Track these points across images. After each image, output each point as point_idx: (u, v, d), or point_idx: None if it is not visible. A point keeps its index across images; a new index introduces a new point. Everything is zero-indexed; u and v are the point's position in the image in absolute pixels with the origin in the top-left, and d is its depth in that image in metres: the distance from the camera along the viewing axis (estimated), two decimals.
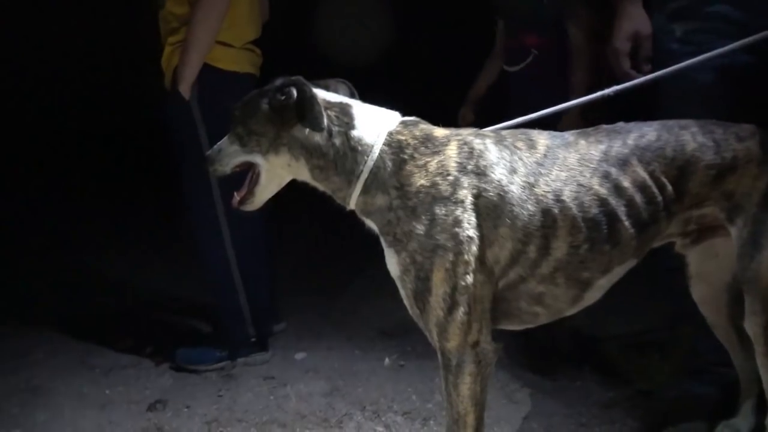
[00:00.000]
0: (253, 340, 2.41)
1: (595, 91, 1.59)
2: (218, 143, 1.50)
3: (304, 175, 1.43)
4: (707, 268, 1.60)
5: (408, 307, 1.35)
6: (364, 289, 3.08)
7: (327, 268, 3.30)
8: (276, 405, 2.12)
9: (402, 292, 1.35)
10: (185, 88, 2.19)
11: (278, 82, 1.39)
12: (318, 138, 1.36)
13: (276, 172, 1.44)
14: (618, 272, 1.41)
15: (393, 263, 1.33)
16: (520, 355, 2.32)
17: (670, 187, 1.36)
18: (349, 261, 2.85)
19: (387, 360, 2.39)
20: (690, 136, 1.39)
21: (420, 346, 2.42)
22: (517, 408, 2.02)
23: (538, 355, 2.30)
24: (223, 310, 2.41)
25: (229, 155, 1.46)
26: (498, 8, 2.80)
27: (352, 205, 1.39)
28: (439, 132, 1.38)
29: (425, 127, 1.39)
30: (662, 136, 1.38)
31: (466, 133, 1.38)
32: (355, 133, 1.36)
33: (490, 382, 2.09)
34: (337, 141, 1.36)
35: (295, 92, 1.34)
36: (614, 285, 1.46)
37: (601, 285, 1.40)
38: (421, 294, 1.29)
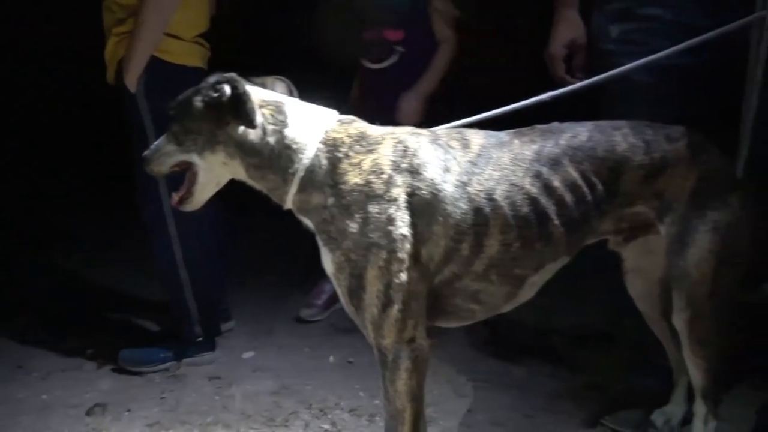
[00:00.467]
0: (200, 339, 2.36)
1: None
2: (155, 143, 1.48)
3: (240, 174, 1.41)
4: (641, 265, 1.65)
5: (344, 304, 1.35)
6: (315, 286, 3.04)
7: (279, 266, 3.26)
8: (221, 405, 2.08)
9: (338, 290, 1.34)
10: (132, 81, 2.12)
11: (211, 79, 1.38)
12: (253, 136, 1.35)
13: (214, 171, 1.43)
14: (550, 269, 1.43)
15: (328, 261, 1.33)
16: (467, 349, 2.34)
17: (601, 187, 1.39)
18: (301, 258, 2.82)
19: (332, 358, 2.37)
20: (621, 137, 1.42)
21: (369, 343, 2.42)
22: (464, 401, 2.04)
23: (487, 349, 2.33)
24: (171, 309, 2.37)
25: (166, 155, 1.44)
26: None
27: (288, 203, 1.38)
28: (374, 130, 1.38)
29: (360, 125, 1.39)
30: (594, 137, 1.41)
31: (401, 131, 1.38)
32: (289, 131, 1.35)
33: (436, 377, 2.13)
34: (272, 139, 1.35)
35: (228, 89, 1.33)
36: (561, 280, 1.49)
37: (534, 282, 1.42)
38: (356, 291, 1.28)
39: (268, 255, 3.41)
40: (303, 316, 2.70)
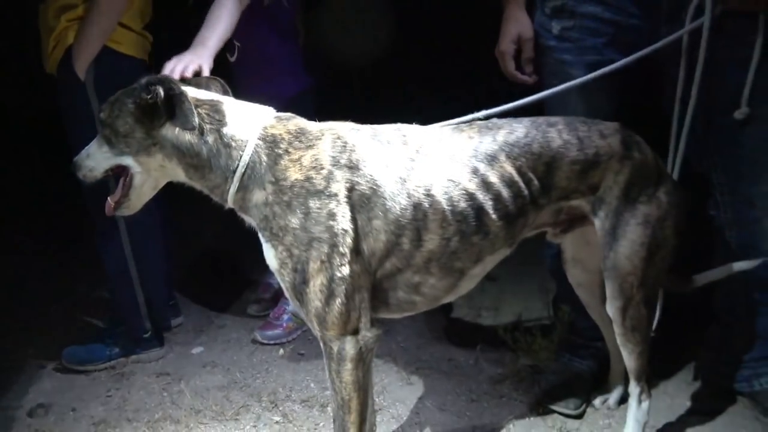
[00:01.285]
0: (148, 334, 2.33)
1: None
2: (86, 147, 1.44)
3: (179, 175, 1.41)
4: (580, 254, 1.72)
5: (289, 299, 1.36)
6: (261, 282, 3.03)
7: (227, 260, 3.23)
8: (170, 401, 2.06)
9: (282, 285, 1.35)
10: (82, 69, 2.05)
11: (143, 80, 1.35)
12: (189, 137, 1.34)
13: (150, 174, 1.42)
14: (490, 261, 1.47)
15: (271, 257, 1.34)
16: (414, 338, 2.39)
17: (536, 182, 1.43)
18: (248, 253, 2.80)
19: (281, 351, 2.38)
20: (556, 134, 1.47)
21: None
22: (413, 389, 2.09)
23: (433, 338, 2.38)
24: (119, 304, 2.32)
25: (99, 159, 1.42)
26: None
27: (230, 202, 1.38)
28: (314, 126, 1.39)
29: (299, 121, 1.40)
30: (530, 133, 1.45)
31: (341, 127, 1.39)
32: (227, 129, 1.35)
33: (387, 366, 2.17)
34: (210, 138, 1.34)
35: (162, 91, 1.31)
36: (502, 269, 1.54)
37: (475, 274, 1.46)
38: (299, 286, 1.30)
39: (215, 250, 3.37)
40: (251, 312, 2.69)
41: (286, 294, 1.36)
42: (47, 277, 3.10)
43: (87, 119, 2.07)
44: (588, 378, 2.00)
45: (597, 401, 1.94)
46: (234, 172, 1.34)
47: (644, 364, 1.61)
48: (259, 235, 1.36)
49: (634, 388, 1.64)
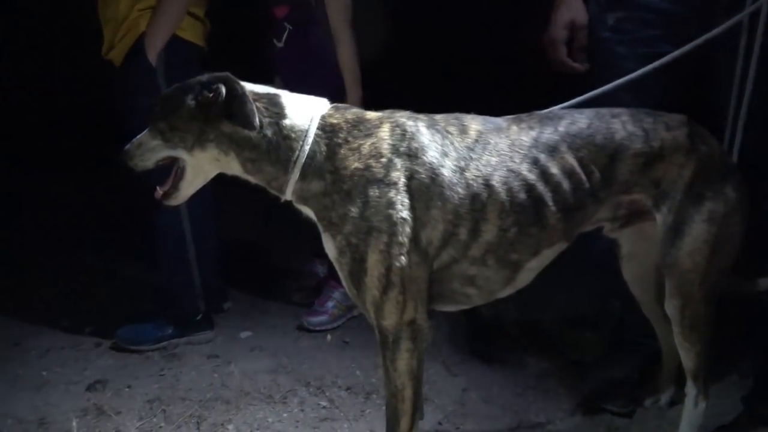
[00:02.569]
0: (201, 315, 2.39)
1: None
2: (138, 136, 1.45)
3: (234, 168, 1.41)
4: (637, 250, 1.68)
5: (346, 287, 1.38)
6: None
7: (273, 247, 3.29)
8: (220, 383, 2.12)
9: (339, 274, 1.37)
10: (154, 56, 2.11)
11: (205, 77, 1.35)
12: (248, 132, 1.34)
13: (202, 168, 1.42)
14: (548, 255, 1.45)
15: (330, 247, 1.35)
16: (460, 330, 2.39)
17: (598, 174, 1.40)
18: (295, 239, 2.85)
19: (329, 336, 2.41)
20: (620, 125, 1.43)
21: (364, 322, 2.41)
22: (457, 380, 2.10)
23: (481, 331, 2.38)
24: (174, 284, 2.38)
25: (150, 150, 1.42)
26: None
27: (288, 194, 1.38)
28: (372, 115, 1.39)
29: (357, 110, 1.40)
30: (593, 124, 1.42)
31: (399, 115, 1.39)
32: (287, 121, 1.35)
33: (431, 357, 2.18)
34: (269, 132, 1.35)
35: (224, 90, 1.32)
36: (552, 262, 1.52)
37: (532, 267, 1.44)
38: (357, 275, 1.31)
39: (262, 236, 3.43)
40: (295, 299, 2.70)
41: (344, 283, 1.37)
42: (102, 257, 3.20)
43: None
44: (638, 376, 1.97)
45: (647, 400, 1.91)
46: (294, 162, 1.34)
47: (703, 365, 1.57)
48: (318, 224, 1.37)
49: (691, 389, 1.60)
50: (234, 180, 1.47)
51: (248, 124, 1.32)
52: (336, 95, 2.36)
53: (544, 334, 2.27)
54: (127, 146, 1.45)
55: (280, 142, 1.35)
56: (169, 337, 2.35)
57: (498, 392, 2.02)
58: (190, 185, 1.45)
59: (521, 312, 2.57)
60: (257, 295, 2.82)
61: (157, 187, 1.48)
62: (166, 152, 1.41)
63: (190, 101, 1.35)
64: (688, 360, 1.57)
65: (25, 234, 3.56)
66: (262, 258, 3.24)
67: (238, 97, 1.32)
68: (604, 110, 1.48)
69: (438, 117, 1.43)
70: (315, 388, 2.07)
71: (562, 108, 1.55)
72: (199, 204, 2.23)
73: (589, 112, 1.46)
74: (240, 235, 3.34)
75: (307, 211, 1.40)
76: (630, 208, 1.52)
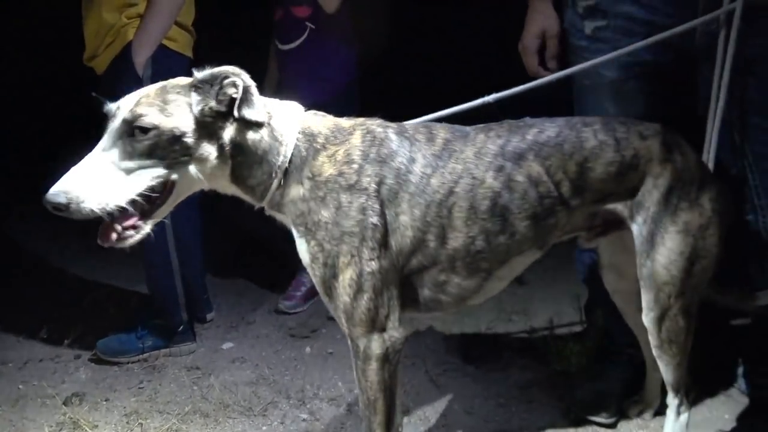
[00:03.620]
0: (182, 328, 2.36)
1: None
2: (76, 169, 1.18)
3: (221, 178, 1.31)
4: (618, 260, 1.67)
5: (320, 294, 1.36)
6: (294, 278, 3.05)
7: (256, 257, 3.26)
8: (199, 395, 2.09)
9: (313, 280, 1.35)
10: (141, 65, 2.09)
11: (215, 72, 1.25)
12: (252, 133, 1.28)
13: (189, 187, 1.29)
14: (518, 262, 1.44)
15: (303, 251, 1.34)
16: (442, 340, 2.37)
17: (567, 182, 1.39)
18: (279, 248, 2.83)
19: (308, 348, 2.39)
20: (591, 133, 1.42)
21: None
22: (441, 391, 2.07)
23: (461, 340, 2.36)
24: (157, 295, 2.36)
25: (121, 181, 1.19)
26: None
27: (267, 199, 1.34)
28: (346, 122, 1.38)
29: (332, 117, 1.39)
30: (562, 133, 1.41)
31: (370, 122, 1.38)
32: (276, 123, 1.32)
33: (414, 367, 2.15)
34: (265, 133, 1.30)
35: (242, 84, 1.24)
36: (533, 271, 1.50)
37: (501, 275, 1.43)
38: (329, 280, 1.30)
39: (245, 246, 3.40)
40: (282, 308, 2.71)
41: (318, 289, 1.36)
42: (83, 266, 3.17)
43: None
44: (622, 386, 1.95)
45: (632, 410, 1.89)
46: (280, 168, 1.31)
47: (682, 376, 1.55)
48: (293, 230, 1.36)
49: (672, 400, 1.58)
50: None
51: (259, 117, 1.25)
52: (344, 94, 2.44)
53: (527, 342, 2.24)
54: (59, 188, 1.15)
55: (273, 145, 1.30)
56: (150, 349, 2.32)
57: (481, 403, 2.00)
58: (169, 208, 1.29)
59: (506, 321, 2.56)
60: (242, 305, 2.79)
61: (115, 226, 1.21)
62: (160, 172, 1.22)
63: (212, 102, 1.24)
64: (667, 372, 1.55)
65: (8, 241, 3.52)
66: (248, 267, 3.21)
67: (252, 92, 1.25)
68: (575, 119, 1.47)
69: (407, 124, 1.43)
70: (296, 400, 2.04)
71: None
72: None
73: (560, 121, 1.45)
74: (225, 245, 3.33)
75: (282, 218, 1.38)
76: (605, 218, 1.51)
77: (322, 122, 1.37)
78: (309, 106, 1.42)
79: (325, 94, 2.27)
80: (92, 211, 1.17)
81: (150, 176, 1.22)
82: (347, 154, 1.31)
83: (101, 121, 1.27)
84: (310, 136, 1.33)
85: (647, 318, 1.51)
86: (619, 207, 1.47)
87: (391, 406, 1.35)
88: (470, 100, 1.58)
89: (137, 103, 1.23)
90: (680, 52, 1.68)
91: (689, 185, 1.45)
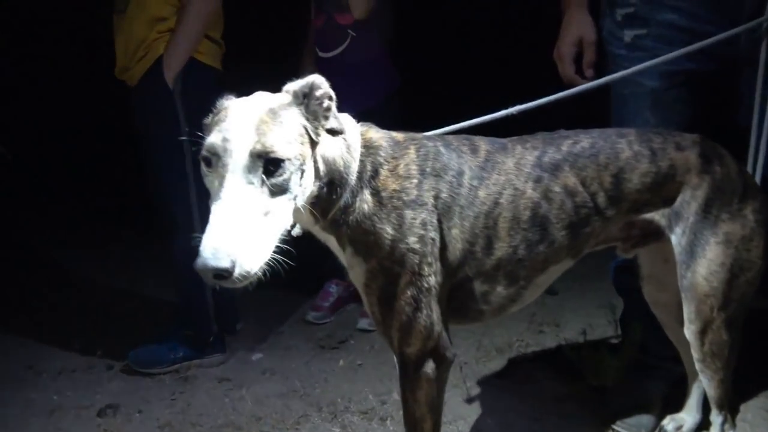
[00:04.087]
0: (215, 337, 2.37)
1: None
2: (217, 221, 0.99)
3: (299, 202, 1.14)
4: (658, 271, 1.64)
5: (370, 314, 1.34)
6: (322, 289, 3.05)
7: (285, 267, 3.26)
8: (231, 407, 2.09)
9: (365, 300, 1.32)
10: (172, 78, 2.12)
11: (308, 83, 1.15)
12: (334, 147, 1.20)
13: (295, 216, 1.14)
14: (554, 271, 1.44)
15: (360, 272, 1.29)
16: (475, 354, 2.34)
17: (603, 193, 1.39)
18: (308, 259, 2.83)
19: (341, 362, 2.37)
20: (626, 144, 1.41)
21: (378, 345, 2.43)
22: (474, 406, 2.04)
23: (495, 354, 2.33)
24: (189, 305, 2.37)
25: (279, 216, 1.06)
26: None
27: (328, 219, 1.24)
28: (398, 134, 1.36)
29: (382, 129, 1.36)
30: (597, 144, 1.41)
31: (418, 136, 1.37)
32: (347, 135, 1.23)
33: (448, 381, 2.12)
34: (343, 147, 1.22)
35: (332, 95, 1.16)
36: (568, 283, 1.49)
37: (539, 283, 1.43)
38: (388, 299, 1.27)
39: (273, 257, 3.40)
40: (310, 319, 2.71)
41: (368, 309, 1.33)
42: (114, 277, 3.21)
43: (172, 129, 2.13)
44: (659, 400, 1.90)
45: (670, 426, 1.84)
46: (348, 183, 1.23)
47: (726, 392, 1.51)
48: (348, 249, 1.29)
49: (716, 417, 1.54)
50: None
51: (340, 126, 1.18)
52: (388, 103, 2.44)
53: (562, 355, 2.20)
54: (223, 245, 0.97)
55: (348, 158, 1.23)
56: (181, 360, 2.34)
57: (515, 417, 1.97)
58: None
59: (537, 333, 2.53)
60: (270, 316, 2.79)
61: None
62: (286, 216, 1.09)
63: (301, 117, 1.13)
64: (710, 388, 1.52)
65: (41, 253, 3.58)
66: (275, 277, 3.20)
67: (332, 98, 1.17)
68: (610, 130, 1.46)
69: (450, 137, 1.41)
70: (328, 414, 2.03)
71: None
72: None
73: (594, 132, 1.44)
74: None
75: (328, 237, 1.30)
76: (642, 228, 1.49)
77: (379, 135, 1.31)
78: (352, 116, 1.38)
79: (369, 103, 2.24)
80: (256, 274, 1.02)
81: (285, 216, 1.09)
82: (407, 168, 1.28)
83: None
84: (372, 150, 1.28)
85: (689, 331, 1.47)
86: (657, 216, 1.45)
87: (437, 425, 1.33)
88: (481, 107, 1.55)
89: (261, 132, 1.05)
90: (723, 61, 1.65)
91: (730, 196, 1.42)
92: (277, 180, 1.05)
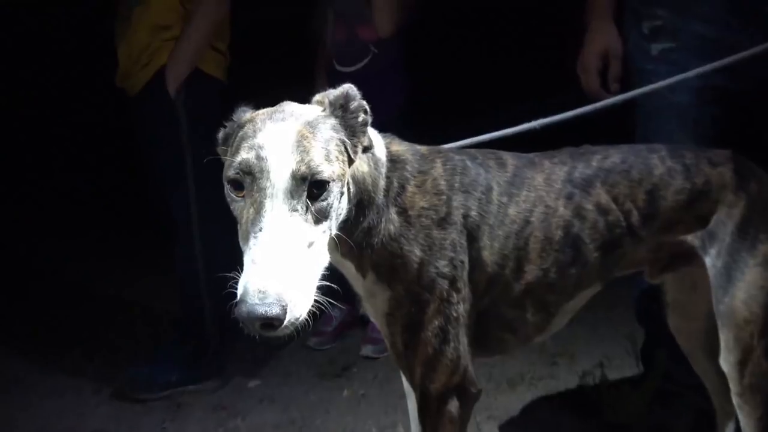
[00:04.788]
0: (208, 361, 2.25)
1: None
2: (264, 252, 0.85)
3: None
4: (684, 299, 1.54)
5: (389, 345, 1.21)
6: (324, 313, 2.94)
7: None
8: None
9: (386, 331, 1.19)
10: (174, 87, 2.07)
11: (343, 94, 1.03)
12: (363, 164, 1.08)
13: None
14: (583, 296, 1.35)
15: (382, 300, 1.16)
16: (490, 387, 2.22)
17: (636, 212, 1.30)
18: None
19: (345, 391, 2.25)
20: (658, 160, 1.33)
21: (382, 374, 2.31)
22: None
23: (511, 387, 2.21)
24: (185, 322, 2.27)
25: (321, 245, 0.94)
26: None
27: (352, 240, 1.09)
28: (421, 147, 1.24)
29: (407, 142, 1.24)
30: (628, 159, 1.32)
31: (442, 148, 1.28)
32: (375, 149, 1.12)
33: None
34: (372, 163, 1.11)
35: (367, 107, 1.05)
36: (587, 310, 1.39)
37: (567, 310, 1.34)
38: (412, 329, 1.14)
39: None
40: (311, 344, 2.59)
41: (388, 341, 1.21)
42: (114, 285, 3.12)
43: (172, 139, 2.09)
44: None
45: None
46: (374, 202, 1.10)
47: (765, 430, 1.38)
48: (369, 275, 1.15)
49: None
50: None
51: (370, 142, 1.07)
52: (401, 119, 2.35)
53: (581, 388, 2.07)
54: (272, 288, 0.83)
55: (375, 176, 1.10)
56: (174, 384, 2.21)
57: None
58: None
59: (551, 365, 2.40)
60: (269, 340, 2.67)
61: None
62: (326, 245, 0.96)
63: (353, 136, 1.02)
64: (748, 425, 1.39)
65: (36, 260, 3.51)
66: None
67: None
68: (640, 146, 1.39)
69: (473, 151, 1.32)
70: None
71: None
72: (215, 238, 2.15)
73: (623, 147, 1.36)
74: None
75: (344, 262, 1.16)
76: (672, 251, 1.39)
77: (403, 148, 1.19)
78: None
79: (383, 119, 2.25)
80: (305, 320, 0.88)
81: (325, 247, 0.96)
82: (435, 183, 1.17)
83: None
84: (398, 164, 1.15)
85: (726, 362, 1.36)
86: (690, 238, 1.36)
87: None
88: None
89: (303, 150, 0.92)
90: (756, 80, 1.56)
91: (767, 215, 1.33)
92: (321, 205, 0.93)
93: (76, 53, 4.28)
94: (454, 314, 1.15)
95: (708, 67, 1.52)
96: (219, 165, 1.01)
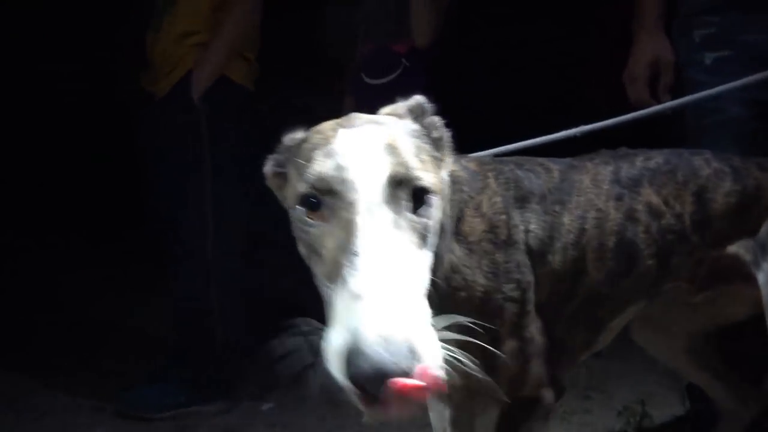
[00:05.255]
0: (216, 383, 2.15)
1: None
2: (364, 257, 0.68)
3: None
4: (670, 316, 1.45)
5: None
6: None
7: (302, 310, 3.04)
8: None
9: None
10: (200, 91, 2.05)
11: (418, 104, 0.93)
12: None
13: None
14: (630, 312, 1.26)
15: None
16: None
17: (687, 216, 1.21)
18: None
19: (365, 418, 2.10)
20: (704, 162, 1.26)
21: None
22: None
23: None
24: (192, 341, 2.17)
25: (424, 267, 0.78)
26: (360, 8, 2.45)
27: None
28: (471, 162, 1.12)
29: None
30: (671, 160, 1.25)
31: (488, 158, 1.18)
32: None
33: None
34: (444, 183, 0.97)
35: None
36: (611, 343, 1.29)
37: (614, 327, 1.25)
38: (490, 360, 0.98)
39: (287, 298, 3.20)
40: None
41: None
42: (113, 304, 3.04)
43: (194, 146, 2.07)
44: None
45: None
46: (445, 231, 0.96)
47: None
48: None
49: None
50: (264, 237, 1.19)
51: (451, 156, 0.96)
52: None
53: (618, 428, 1.92)
54: (399, 334, 0.62)
55: (445, 197, 0.96)
56: (179, 406, 2.10)
57: None
58: None
59: (584, 400, 2.25)
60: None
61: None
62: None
63: (436, 147, 0.90)
64: None
65: (33, 279, 3.41)
66: (291, 317, 2.99)
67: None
68: (681, 150, 1.31)
69: (517, 159, 1.22)
70: None
71: None
72: (226, 256, 2.12)
73: (665, 150, 1.29)
74: (271, 297, 3.14)
75: None
76: (718, 265, 1.28)
77: (456, 165, 1.03)
78: None
79: None
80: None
81: (428, 275, 0.80)
82: (492, 203, 1.06)
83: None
84: (456, 186, 1.01)
85: None
86: (741, 251, 1.26)
87: None
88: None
89: (395, 152, 0.78)
90: None
91: None
92: (424, 222, 0.77)
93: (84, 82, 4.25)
94: (528, 336, 1.06)
95: (763, 74, 1.43)
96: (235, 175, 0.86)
